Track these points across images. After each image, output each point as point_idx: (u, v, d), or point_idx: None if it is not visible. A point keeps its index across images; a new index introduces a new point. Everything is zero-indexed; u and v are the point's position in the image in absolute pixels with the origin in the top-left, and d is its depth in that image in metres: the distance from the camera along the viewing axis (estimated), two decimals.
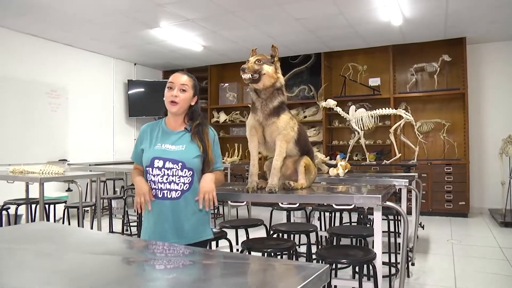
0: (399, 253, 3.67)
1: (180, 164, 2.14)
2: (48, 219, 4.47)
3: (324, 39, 7.21)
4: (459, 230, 5.79)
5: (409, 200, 5.12)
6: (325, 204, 3.53)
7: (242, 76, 2.34)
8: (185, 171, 2.15)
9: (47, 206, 4.51)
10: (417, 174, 4.50)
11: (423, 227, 4.94)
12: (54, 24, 6.23)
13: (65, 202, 4.58)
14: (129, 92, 8.81)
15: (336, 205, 2.20)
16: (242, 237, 3.15)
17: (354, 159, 7.72)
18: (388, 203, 2.11)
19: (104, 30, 6.57)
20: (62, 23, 6.20)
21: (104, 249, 1.57)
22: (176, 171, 2.14)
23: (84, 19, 6.01)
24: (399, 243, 3.73)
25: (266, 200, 2.46)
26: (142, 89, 8.93)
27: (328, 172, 4.14)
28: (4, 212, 4.44)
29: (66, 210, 4.42)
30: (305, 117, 8.49)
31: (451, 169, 6.87)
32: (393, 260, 3.65)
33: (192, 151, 2.18)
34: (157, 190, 2.15)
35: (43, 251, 1.50)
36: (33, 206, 4.47)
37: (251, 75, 2.34)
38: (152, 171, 2.16)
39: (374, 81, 7.79)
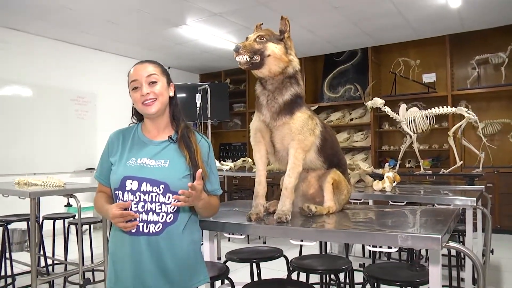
0: None
1: (162, 186, 1.53)
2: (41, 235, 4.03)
3: (369, 31, 6.40)
4: None
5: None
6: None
7: (236, 59, 1.67)
8: (169, 196, 1.54)
9: (52, 221, 4.06)
10: (484, 186, 3.61)
11: (491, 251, 4.03)
12: (74, 26, 5.95)
13: (73, 217, 4.10)
14: None
15: (373, 246, 1.47)
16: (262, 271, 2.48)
17: (407, 167, 6.82)
18: (451, 243, 1.37)
19: (126, 31, 6.17)
20: (81, 24, 5.88)
21: None
22: (156, 196, 1.53)
23: (102, 19, 5.62)
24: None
25: (270, 235, 1.77)
26: (177, 94, 8.42)
27: (372, 185, 3.37)
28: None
29: (69, 226, 3.94)
30: (351, 119, 7.71)
31: None
32: None
33: (179, 168, 1.57)
34: (129, 222, 1.52)
35: None
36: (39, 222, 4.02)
37: (249, 57, 1.66)
38: (123, 196, 1.54)
39: (428, 77, 6.88)
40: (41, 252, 3.96)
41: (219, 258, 4.55)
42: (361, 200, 3.03)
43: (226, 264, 2.31)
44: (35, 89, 6.23)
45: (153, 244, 1.52)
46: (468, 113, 4.31)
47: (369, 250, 3.36)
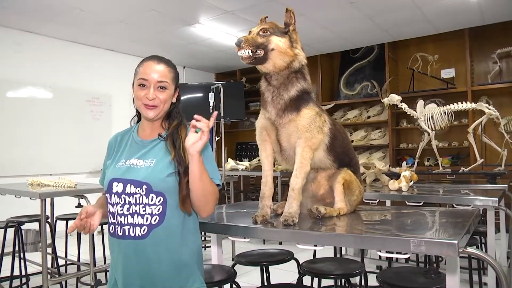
0: None
1: (144, 187, 1.46)
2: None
3: (386, 27, 6.25)
4: None
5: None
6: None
7: (238, 53, 1.60)
8: (152, 197, 1.46)
9: (65, 221, 4.04)
10: (506, 185, 3.46)
11: None
12: (86, 27, 5.96)
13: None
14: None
15: (387, 252, 1.38)
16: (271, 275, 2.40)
17: (426, 165, 6.65)
18: (469, 249, 1.27)
19: (139, 31, 6.17)
20: (94, 25, 5.89)
21: None
22: (140, 197, 1.46)
23: (115, 19, 5.63)
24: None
25: (276, 238, 1.70)
26: (193, 94, 8.37)
27: (388, 184, 3.26)
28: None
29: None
30: (368, 117, 7.55)
31: None
32: None
33: (164, 167, 1.48)
34: (116, 226, 1.48)
35: None
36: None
37: (251, 51, 1.59)
38: (111, 199, 1.49)
39: (447, 73, 6.67)
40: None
41: (233, 259, 4.49)
42: (376, 200, 2.92)
43: (236, 267, 2.24)
44: (50, 91, 6.28)
45: (140, 249, 1.45)
46: (489, 109, 4.17)
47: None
